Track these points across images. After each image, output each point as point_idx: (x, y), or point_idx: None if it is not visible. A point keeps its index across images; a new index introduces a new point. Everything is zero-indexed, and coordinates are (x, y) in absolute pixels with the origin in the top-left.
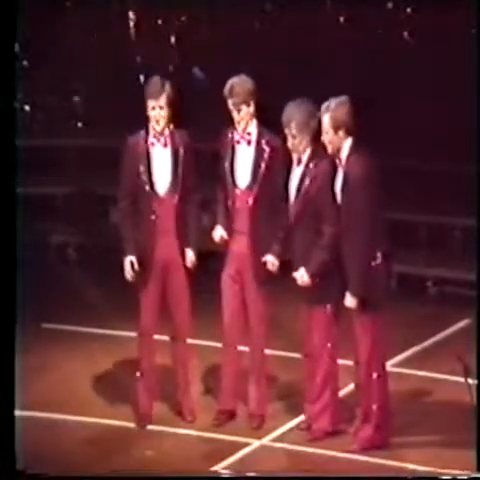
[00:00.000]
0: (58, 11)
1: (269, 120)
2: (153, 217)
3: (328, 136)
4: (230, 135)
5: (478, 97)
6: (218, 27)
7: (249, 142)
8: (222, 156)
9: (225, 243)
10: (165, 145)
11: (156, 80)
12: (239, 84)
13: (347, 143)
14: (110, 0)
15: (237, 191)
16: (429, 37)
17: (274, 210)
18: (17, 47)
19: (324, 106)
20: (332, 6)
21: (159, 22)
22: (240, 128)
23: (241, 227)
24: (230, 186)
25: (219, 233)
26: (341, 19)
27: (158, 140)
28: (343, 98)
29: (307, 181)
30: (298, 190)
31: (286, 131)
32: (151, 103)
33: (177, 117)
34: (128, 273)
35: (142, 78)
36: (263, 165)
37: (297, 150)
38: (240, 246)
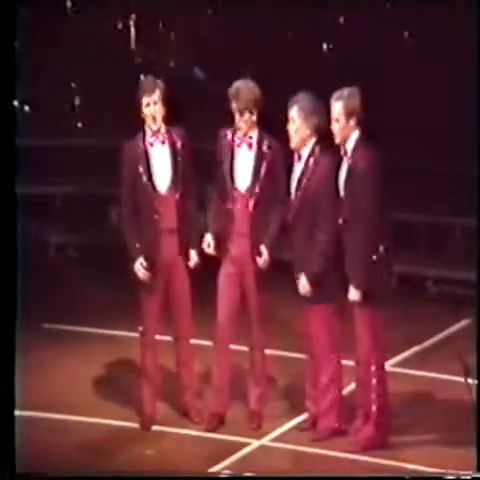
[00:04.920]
0: (58, 11)
1: (269, 124)
2: (156, 216)
3: (339, 124)
4: (229, 137)
5: (478, 97)
6: (218, 27)
7: (250, 145)
8: (220, 157)
9: (223, 245)
10: (163, 142)
11: (149, 78)
12: (245, 91)
13: (355, 134)
14: (110, 0)
15: (236, 193)
16: (429, 37)
17: (273, 211)
18: (17, 47)
19: (336, 94)
20: (332, 6)
21: (159, 22)
22: (241, 132)
23: (241, 229)
24: (229, 188)
25: (207, 241)
26: (341, 19)
27: (156, 138)
28: (354, 88)
29: (306, 177)
30: (298, 186)
31: (288, 115)
32: (145, 100)
33: (173, 116)
34: (142, 274)
35: (142, 78)
36: (264, 168)
37: (294, 139)
38: (240, 248)
